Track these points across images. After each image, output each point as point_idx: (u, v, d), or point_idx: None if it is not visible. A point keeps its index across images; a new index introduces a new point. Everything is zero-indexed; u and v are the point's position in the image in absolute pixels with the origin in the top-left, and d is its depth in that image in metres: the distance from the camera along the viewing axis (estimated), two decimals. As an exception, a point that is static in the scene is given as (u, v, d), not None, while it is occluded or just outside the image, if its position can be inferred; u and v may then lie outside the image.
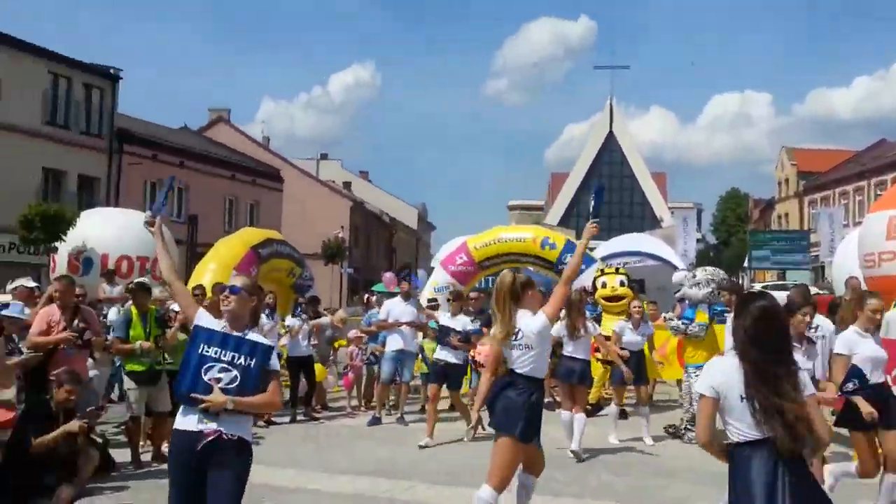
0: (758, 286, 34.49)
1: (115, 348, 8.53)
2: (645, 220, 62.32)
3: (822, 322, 8.37)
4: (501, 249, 14.92)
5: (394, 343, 11.09)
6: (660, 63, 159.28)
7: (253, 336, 4.25)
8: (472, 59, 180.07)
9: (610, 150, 67.86)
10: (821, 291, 26.63)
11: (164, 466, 7.83)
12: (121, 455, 8.18)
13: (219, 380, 4.09)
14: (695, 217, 34.62)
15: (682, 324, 10.11)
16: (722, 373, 3.73)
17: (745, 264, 38.72)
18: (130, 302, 8.77)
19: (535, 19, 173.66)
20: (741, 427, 3.61)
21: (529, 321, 5.44)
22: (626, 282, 12.18)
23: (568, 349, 9.20)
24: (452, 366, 9.99)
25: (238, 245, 15.57)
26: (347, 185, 61.66)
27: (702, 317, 10.20)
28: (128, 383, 8.33)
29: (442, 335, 10.08)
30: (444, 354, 9.97)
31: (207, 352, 4.12)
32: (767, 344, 3.65)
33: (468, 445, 9.43)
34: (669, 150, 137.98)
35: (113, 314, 9.79)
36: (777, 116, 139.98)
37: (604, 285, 12.27)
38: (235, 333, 4.21)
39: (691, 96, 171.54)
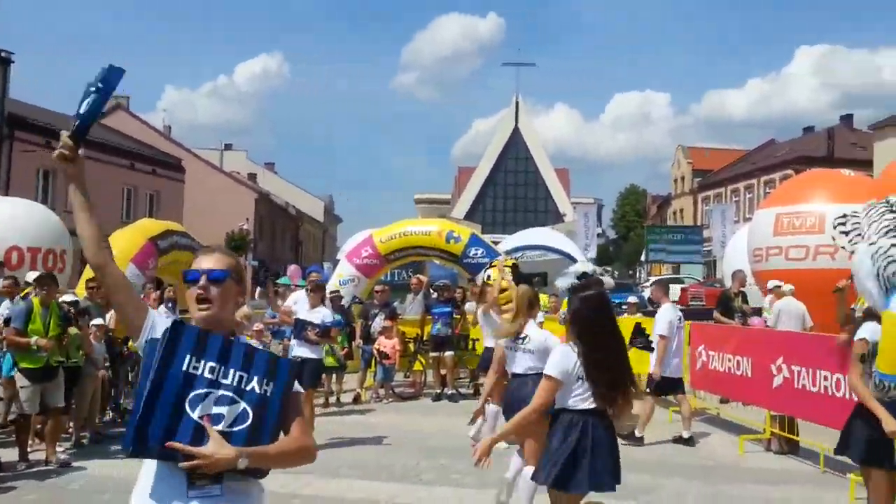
0: (653, 279, 35.66)
1: (8, 340, 7.90)
2: (548, 214, 63.49)
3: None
4: (407, 243, 14.99)
5: (297, 349, 10.93)
6: (565, 61, 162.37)
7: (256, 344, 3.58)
8: (382, 52, 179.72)
9: (515, 145, 68.85)
10: (714, 284, 27.80)
11: (54, 468, 7.67)
12: (7, 455, 7.92)
13: (218, 417, 2.30)
14: (596, 212, 35.50)
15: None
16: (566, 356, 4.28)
17: (643, 258, 39.92)
18: (36, 292, 8.26)
19: (445, 14, 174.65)
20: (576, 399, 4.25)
21: (538, 333, 6.15)
22: (510, 276, 12.33)
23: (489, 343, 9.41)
24: (310, 361, 8.95)
25: (136, 236, 15.15)
26: (252, 176, 60.65)
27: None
28: (20, 381, 7.81)
29: (298, 330, 9.20)
30: (301, 350, 9.02)
31: (196, 368, 2.30)
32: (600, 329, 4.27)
33: (373, 440, 9.51)
34: (573, 146, 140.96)
35: (5, 306, 9.27)
36: (675, 116, 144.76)
37: (489, 278, 12.44)
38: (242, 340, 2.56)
39: (595, 94, 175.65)
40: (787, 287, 11.19)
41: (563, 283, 10.78)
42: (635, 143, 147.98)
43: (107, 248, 2.54)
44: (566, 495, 4.32)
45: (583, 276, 10.45)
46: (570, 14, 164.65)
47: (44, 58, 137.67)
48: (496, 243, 18.92)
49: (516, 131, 68.78)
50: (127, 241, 14.96)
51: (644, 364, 9.48)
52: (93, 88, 2.59)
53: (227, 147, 66.01)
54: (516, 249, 20.34)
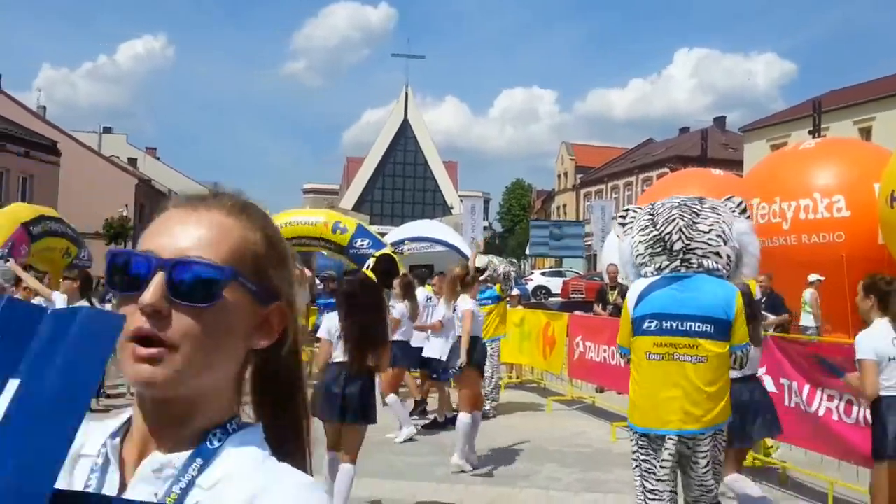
0: (537, 273, 36.60)
1: None
2: (436, 207, 63.99)
3: None
4: (293, 232, 14.91)
5: None
6: (456, 55, 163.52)
7: None
8: (271, 38, 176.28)
9: (404, 137, 69.02)
10: (594, 278, 28.74)
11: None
12: None
13: None
14: (482, 205, 36.04)
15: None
16: None
17: (527, 252, 40.78)
18: None
19: (335, 2, 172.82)
20: None
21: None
22: (370, 265, 12.48)
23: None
24: None
25: (7, 221, 14.53)
26: (133, 161, 58.57)
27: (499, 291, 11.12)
28: None
29: None
30: None
31: None
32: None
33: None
34: (462, 139, 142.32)
35: None
36: (561, 113, 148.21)
37: (368, 267, 12.55)
38: None
39: (484, 89, 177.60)
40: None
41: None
42: (522, 139, 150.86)
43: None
44: None
45: (476, 270, 11.03)
46: (460, 8, 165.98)
47: None
48: (383, 234, 19.04)
49: (405, 123, 68.97)
50: (-3, 226, 14.33)
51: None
52: None
53: (107, 130, 63.51)
54: (403, 241, 20.50)
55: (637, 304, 4.30)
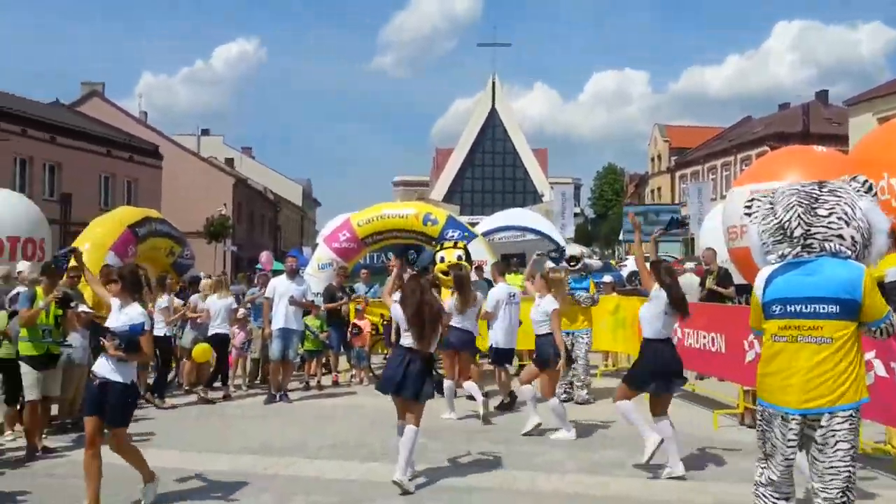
0: (631, 259, 35.88)
1: (24, 319, 8.01)
2: (526, 195, 63.63)
3: None
4: (384, 226, 15.03)
5: (278, 321, 11.11)
6: (544, 40, 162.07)
7: None
8: (358, 33, 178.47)
9: (493, 126, 68.81)
10: (691, 263, 27.96)
11: (51, 457, 7.74)
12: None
13: None
14: (572, 192, 35.62)
15: (591, 296, 11.04)
16: None
17: (620, 237, 40.13)
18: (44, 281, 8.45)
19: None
20: None
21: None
22: (463, 256, 12.45)
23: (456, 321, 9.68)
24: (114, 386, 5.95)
25: (114, 224, 15.12)
26: (230, 161, 60.29)
27: (592, 287, 11.29)
28: (23, 367, 8.01)
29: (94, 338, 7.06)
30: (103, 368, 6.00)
31: None
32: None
33: (354, 421, 9.63)
34: (552, 125, 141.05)
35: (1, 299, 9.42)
36: (654, 94, 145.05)
37: (442, 259, 12.55)
38: None
39: (573, 74, 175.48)
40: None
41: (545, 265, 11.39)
42: (613, 122, 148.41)
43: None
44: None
45: (571, 259, 10.92)
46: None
47: (14, 45, 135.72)
48: (474, 225, 19.00)
49: (493, 112, 68.74)
50: (105, 229, 14.93)
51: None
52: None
53: (204, 132, 65.54)
54: (494, 230, 20.42)
55: (764, 290, 4.48)
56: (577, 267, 11.11)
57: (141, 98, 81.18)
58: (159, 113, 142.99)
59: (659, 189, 61.95)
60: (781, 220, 4.47)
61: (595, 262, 12.15)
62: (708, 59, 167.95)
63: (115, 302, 6.15)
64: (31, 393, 7.94)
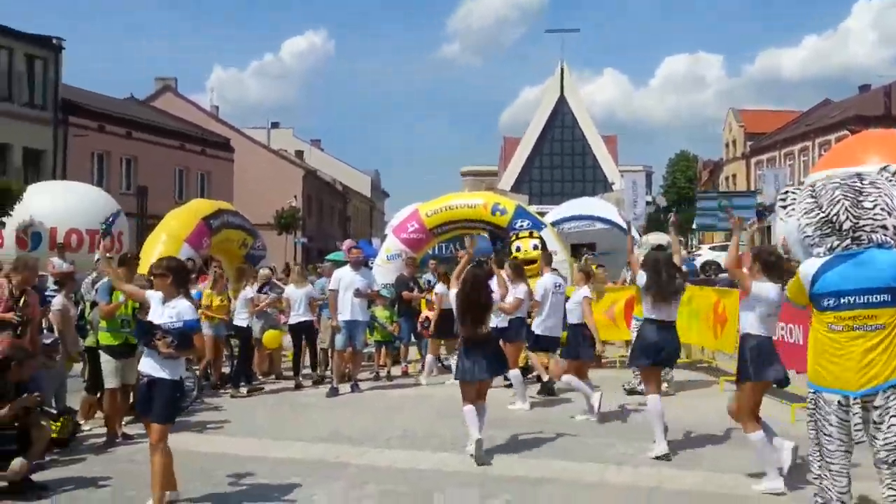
0: (706, 248, 35.24)
1: (104, 312, 8.18)
2: (596, 183, 62.89)
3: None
4: (452, 216, 15.06)
5: (344, 313, 11.18)
6: (614, 25, 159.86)
7: None
8: (426, 23, 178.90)
9: (562, 114, 68.10)
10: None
11: (130, 443, 7.96)
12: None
13: None
14: (644, 180, 35.04)
15: None
16: None
17: (694, 226, 39.37)
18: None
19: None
20: None
21: None
22: (538, 245, 12.34)
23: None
24: (162, 383, 5.81)
25: (188, 217, 15.49)
26: (300, 153, 61.14)
27: None
28: (102, 356, 8.20)
29: (145, 336, 6.01)
30: (149, 365, 5.88)
31: None
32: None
33: (424, 411, 9.66)
34: (622, 112, 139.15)
35: (86, 286, 9.70)
36: (728, 78, 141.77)
37: (518, 249, 12.47)
38: None
39: (644, 58, 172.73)
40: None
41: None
42: (686, 108, 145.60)
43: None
44: None
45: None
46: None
47: (91, 42, 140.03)
48: (543, 214, 18.88)
49: (562, 99, 68.00)
50: (180, 221, 15.30)
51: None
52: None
53: (274, 125, 66.57)
54: (563, 220, 20.26)
55: (814, 282, 4.67)
56: None
57: (213, 92, 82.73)
58: (230, 106, 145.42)
59: (734, 176, 60.51)
60: (829, 213, 4.62)
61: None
62: (784, 40, 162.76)
63: (155, 296, 5.96)
64: (109, 381, 8.16)
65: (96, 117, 32.84)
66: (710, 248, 34.80)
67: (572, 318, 9.39)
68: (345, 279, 11.22)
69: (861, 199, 4.60)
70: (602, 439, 7.92)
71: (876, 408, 4.43)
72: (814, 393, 4.71)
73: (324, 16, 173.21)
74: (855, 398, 4.45)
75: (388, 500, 6.06)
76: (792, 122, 56.15)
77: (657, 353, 7.24)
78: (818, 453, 4.66)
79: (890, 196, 4.65)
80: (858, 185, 4.66)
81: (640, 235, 21.39)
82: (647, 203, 39.53)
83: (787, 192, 4.92)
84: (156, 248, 13.88)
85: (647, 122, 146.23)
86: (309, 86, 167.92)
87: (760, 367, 6.19)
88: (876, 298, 4.50)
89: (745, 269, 6.39)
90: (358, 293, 11.16)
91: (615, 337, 13.71)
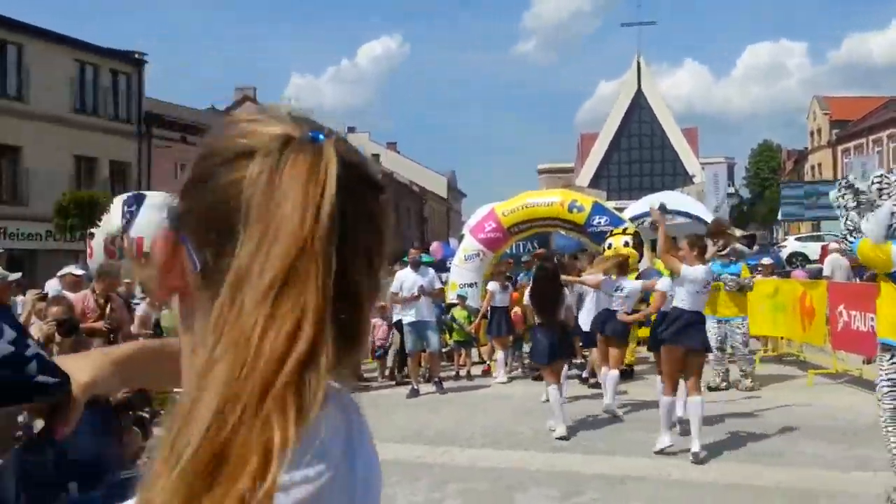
0: (791, 239, 34.23)
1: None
2: (676, 177, 61.74)
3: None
4: (529, 215, 14.98)
5: (410, 314, 11.15)
6: (692, 15, 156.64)
7: None
8: (500, 21, 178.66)
9: (639, 107, 67.09)
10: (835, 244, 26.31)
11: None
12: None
13: None
14: (725, 172, 34.22)
15: (737, 280, 10.47)
16: None
17: (779, 217, 38.33)
18: None
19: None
20: None
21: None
22: (630, 242, 12.19)
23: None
24: None
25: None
26: (376, 156, 61.66)
27: (745, 271, 10.74)
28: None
29: None
30: None
31: None
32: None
33: (504, 410, 9.66)
34: (703, 104, 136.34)
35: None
36: (813, 65, 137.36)
37: (609, 246, 12.35)
38: None
39: (725, 48, 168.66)
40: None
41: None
42: (769, 97, 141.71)
43: None
44: None
45: (749, 237, 10.71)
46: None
47: (173, 56, 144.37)
48: (621, 210, 18.63)
49: (639, 93, 66.98)
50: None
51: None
52: None
53: (351, 130, 67.28)
54: (642, 215, 19.92)
55: None
56: (723, 252, 10.45)
57: (290, 101, 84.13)
58: (307, 113, 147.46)
59: (819, 165, 58.60)
60: None
61: (744, 248, 11.60)
62: (871, 23, 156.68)
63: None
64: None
65: (178, 128, 33.82)
66: (796, 239, 33.74)
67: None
68: (407, 280, 11.13)
69: None
70: (679, 436, 7.78)
71: None
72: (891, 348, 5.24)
73: (399, 20, 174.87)
74: None
75: (469, 499, 6.08)
76: (880, 108, 53.96)
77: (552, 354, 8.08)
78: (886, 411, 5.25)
79: None
80: None
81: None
82: (729, 195, 38.65)
83: (882, 174, 5.30)
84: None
85: (729, 112, 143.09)
86: (384, 89, 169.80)
87: (677, 334, 7.05)
88: None
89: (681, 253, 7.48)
90: (423, 291, 11.06)
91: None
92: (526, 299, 10.24)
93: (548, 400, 8.59)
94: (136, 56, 32.40)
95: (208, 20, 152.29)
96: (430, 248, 21.72)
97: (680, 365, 7.14)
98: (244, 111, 0.93)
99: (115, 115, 30.79)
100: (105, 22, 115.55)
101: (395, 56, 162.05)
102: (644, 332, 10.58)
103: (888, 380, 5.21)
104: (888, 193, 5.25)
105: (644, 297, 9.64)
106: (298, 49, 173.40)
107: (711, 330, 10.24)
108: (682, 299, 7.16)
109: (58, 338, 5.51)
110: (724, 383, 10.22)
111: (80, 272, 9.93)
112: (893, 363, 5.18)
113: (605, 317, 9.42)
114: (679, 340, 7.05)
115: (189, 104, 39.99)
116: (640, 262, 12.29)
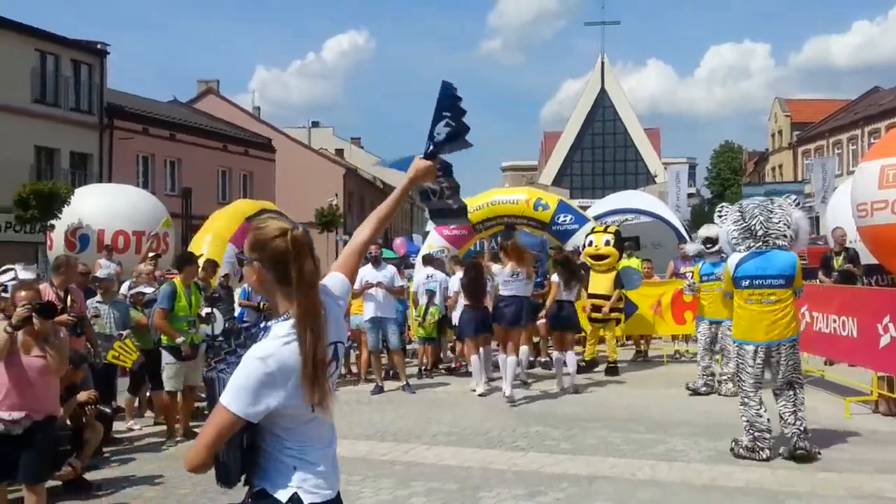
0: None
1: (156, 323, 8.29)
2: (638, 176, 62.26)
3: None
4: (495, 212, 14.96)
5: (369, 311, 10.97)
6: (656, 15, 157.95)
7: None
8: (465, 19, 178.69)
9: (602, 107, 67.49)
10: (817, 242, 26.75)
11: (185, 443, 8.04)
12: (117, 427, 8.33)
13: None
14: (687, 172, 34.55)
15: (690, 283, 10.57)
16: None
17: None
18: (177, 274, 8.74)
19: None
20: None
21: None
22: (611, 241, 12.22)
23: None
24: None
25: (232, 217, 15.63)
26: (340, 151, 61.42)
27: (696, 274, 10.59)
28: (166, 358, 8.25)
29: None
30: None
31: None
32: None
33: (470, 408, 9.62)
34: (667, 104, 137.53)
35: (124, 290, 9.81)
36: (776, 67, 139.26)
37: (591, 244, 12.38)
38: None
39: (689, 48, 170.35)
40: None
41: (691, 248, 11.37)
42: (732, 98, 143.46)
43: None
44: None
45: (707, 241, 10.34)
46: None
47: (135, 47, 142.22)
48: (585, 208, 18.70)
49: (602, 93, 67.39)
50: (225, 221, 15.45)
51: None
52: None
53: (315, 124, 66.93)
54: (606, 214, 20.03)
55: (736, 269, 6.91)
56: (712, 250, 10.23)
57: (254, 94, 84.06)
58: (272, 106, 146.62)
59: (780, 166, 59.42)
60: (749, 224, 6.89)
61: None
62: (833, 27, 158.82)
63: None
64: (170, 384, 8.20)
65: (140, 120, 33.33)
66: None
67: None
68: (367, 277, 10.86)
69: (770, 216, 6.86)
70: (651, 436, 7.80)
71: (774, 355, 6.74)
72: (738, 345, 6.99)
73: (365, 14, 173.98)
74: (762, 347, 6.74)
75: (435, 497, 6.02)
76: (840, 111, 54.89)
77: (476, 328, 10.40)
78: (741, 387, 6.98)
79: (790, 215, 6.89)
80: (770, 206, 6.93)
81: (684, 228, 21.04)
82: (690, 195, 39.03)
83: (722, 205, 7.57)
84: (201, 248, 14.02)
85: (691, 113, 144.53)
86: (349, 84, 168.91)
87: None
88: (775, 282, 6.77)
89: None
90: (380, 285, 10.90)
91: (662, 331, 13.56)
92: (456, 286, 11.55)
93: (512, 400, 9.56)
94: (98, 46, 31.83)
95: (171, 10, 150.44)
96: (394, 245, 21.67)
97: (504, 336, 10.02)
98: (267, 218, 2.41)
99: (77, 105, 30.20)
100: (67, 11, 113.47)
101: (362, 51, 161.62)
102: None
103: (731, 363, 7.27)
104: (725, 219, 7.24)
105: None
106: (263, 41, 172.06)
107: (703, 331, 10.24)
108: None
109: (36, 323, 5.36)
110: (705, 388, 10.07)
111: (29, 275, 8.55)
112: (735, 355, 7.39)
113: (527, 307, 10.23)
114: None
115: (151, 96, 39.43)
116: (619, 260, 12.38)
